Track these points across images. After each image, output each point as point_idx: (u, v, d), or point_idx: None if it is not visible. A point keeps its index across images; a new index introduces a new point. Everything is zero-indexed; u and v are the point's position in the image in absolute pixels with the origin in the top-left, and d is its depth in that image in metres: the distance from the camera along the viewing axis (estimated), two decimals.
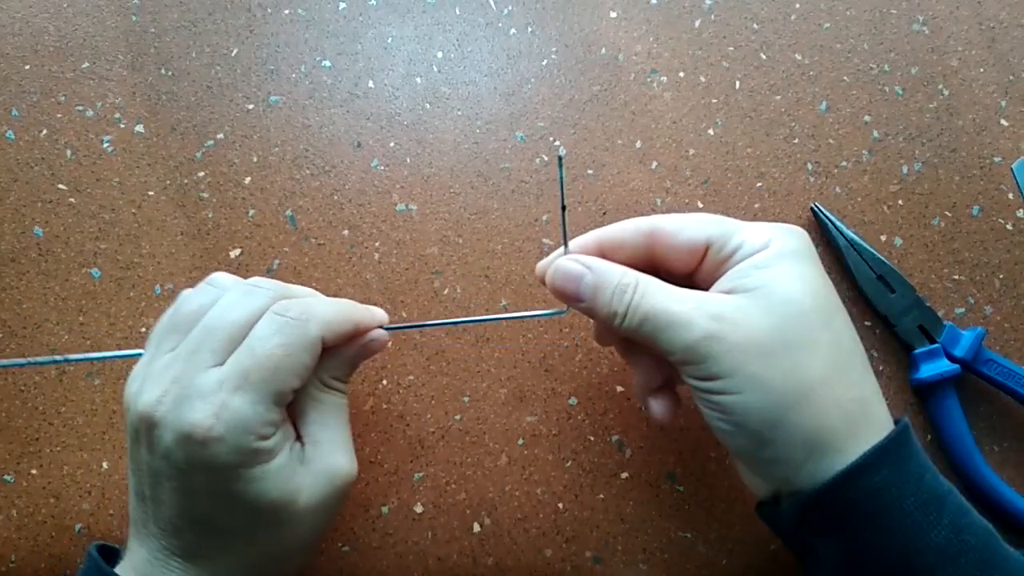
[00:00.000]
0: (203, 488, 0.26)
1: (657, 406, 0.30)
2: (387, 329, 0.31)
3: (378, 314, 0.31)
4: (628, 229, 0.28)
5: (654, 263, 0.29)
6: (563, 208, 0.28)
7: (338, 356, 0.30)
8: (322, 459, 0.28)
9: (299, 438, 0.29)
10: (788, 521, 0.27)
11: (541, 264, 0.30)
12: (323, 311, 0.28)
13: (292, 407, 0.29)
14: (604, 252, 0.29)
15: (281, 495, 0.26)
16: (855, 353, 0.26)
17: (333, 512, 0.29)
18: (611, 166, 0.40)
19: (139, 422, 0.26)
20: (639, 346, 0.29)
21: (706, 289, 0.27)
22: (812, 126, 0.40)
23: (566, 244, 0.29)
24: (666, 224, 0.28)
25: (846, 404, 0.25)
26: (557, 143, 0.40)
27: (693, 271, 0.28)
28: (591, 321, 0.38)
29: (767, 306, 0.25)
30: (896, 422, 0.26)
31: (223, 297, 0.28)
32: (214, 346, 0.26)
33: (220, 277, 0.29)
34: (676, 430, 0.37)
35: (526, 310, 0.32)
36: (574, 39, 0.41)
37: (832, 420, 0.24)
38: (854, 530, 0.24)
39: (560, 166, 0.27)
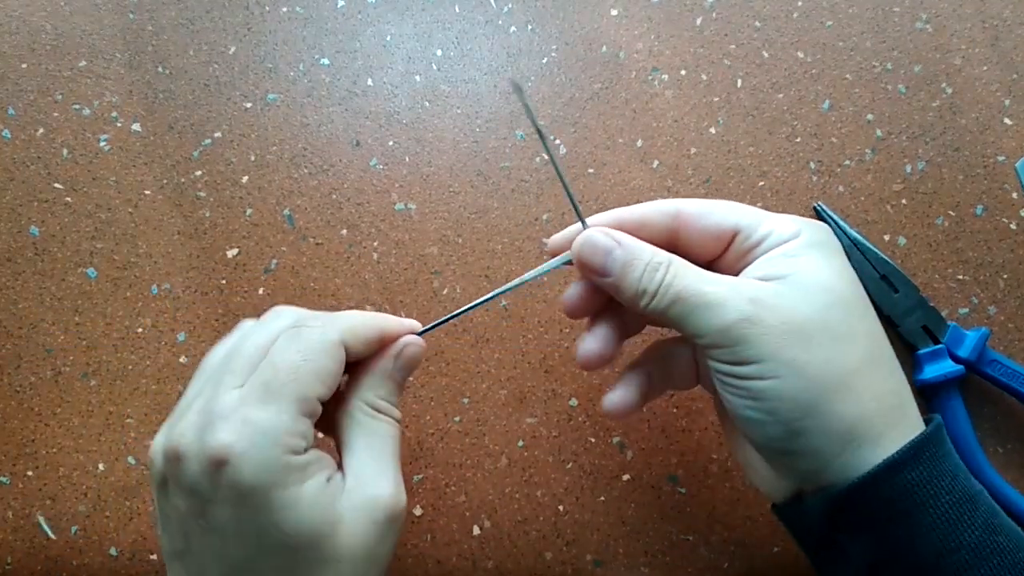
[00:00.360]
0: (233, 523, 0.22)
1: (591, 346, 0.29)
2: (419, 334, 0.29)
3: (408, 322, 0.29)
4: (652, 209, 0.28)
5: (675, 247, 0.27)
6: (540, 136, 0.25)
7: (376, 372, 0.27)
8: (364, 488, 0.25)
9: (342, 469, 0.26)
10: (815, 519, 0.26)
11: (556, 237, 0.29)
12: (344, 318, 0.27)
13: (337, 436, 0.27)
14: (624, 231, 0.27)
15: (317, 526, 0.23)
16: (888, 347, 0.26)
17: (380, 553, 0.25)
18: (612, 165, 0.40)
19: (165, 465, 0.24)
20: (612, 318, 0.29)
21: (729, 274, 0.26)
22: (815, 125, 0.40)
23: (567, 190, 0.27)
24: (692, 207, 0.27)
25: (883, 396, 0.24)
26: (558, 142, 0.40)
27: (716, 258, 0.27)
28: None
29: (805, 293, 0.24)
30: (928, 420, 0.25)
31: (245, 329, 0.27)
32: (235, 370, 0.24)
33: (247, 322, 0.28)
34: (678, 432, 0.37)
35: (530, 283, 0.30)
36: (574, 37, 0.41)
37: (869, 411, 0.24)
38: (886, 528, 0.24)
39: (521, 93, 0.24)
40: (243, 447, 0.22)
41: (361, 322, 0.27)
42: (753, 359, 0.24)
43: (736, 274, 0.26)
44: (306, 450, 0.24)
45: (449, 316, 0.30)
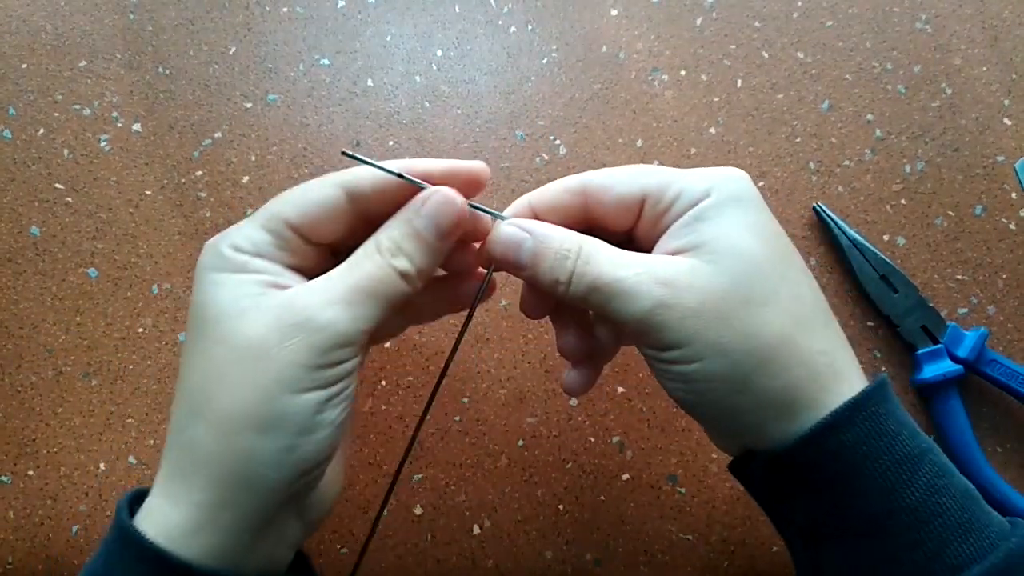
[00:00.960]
0: (193, 317, 0.24)
1: (574, 378, 0.29)
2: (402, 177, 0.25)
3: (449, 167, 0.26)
4: (557, 189, 0.26)
5: (591, 224, 0.27)
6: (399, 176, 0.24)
7: (396, 215, 0.25)
8: (293, 295, 0.24)
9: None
10: (758, 480, 0.26)
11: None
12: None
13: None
14: (539, 216, 0.26)
15: (225, 307, 0.23)
16: (817, 304, 0.25)
17: (276, 353, 0.23)
18: (612, 165, 0.39)
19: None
20: (568, 314, 0.28)
21: (649, 248, 0.25)
22: (814, 125, 0.40)
23: (479, 208, 0.26)
24: (597, 179, 0.26)
25: (812, 358, 0.23)
26: (558, 142, 0.40)
27: (632, 228, 0.26)
28: None
29: (718, 264, 0.23)
30: (873, 377, 0.25)
31: None
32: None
33: None
34: (677, 432, 0.37)
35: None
36: (574, 37, 0.41)
37: (799, 377, 0.23)
38: (824, 490, 0.23)
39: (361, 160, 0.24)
40: (208, 242, 0.25)
41: (375, 172, 0.25)
42: (674, 344, 0.23)
43: (654, 242, 0.25)
44: (253, 256, 0.24)
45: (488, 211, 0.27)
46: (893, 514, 0.22)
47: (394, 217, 0.25)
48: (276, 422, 0.23)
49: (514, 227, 0.25)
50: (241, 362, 0.23)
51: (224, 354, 0.23)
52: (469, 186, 0.26)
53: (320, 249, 0.26)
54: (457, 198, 0.25)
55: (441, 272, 0.29)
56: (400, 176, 0.25)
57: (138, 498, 0.25)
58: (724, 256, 0.23)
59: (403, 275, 0.24)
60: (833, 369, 0.24)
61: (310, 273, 0.25)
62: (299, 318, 0.23)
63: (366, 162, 0.25)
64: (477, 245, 0.28)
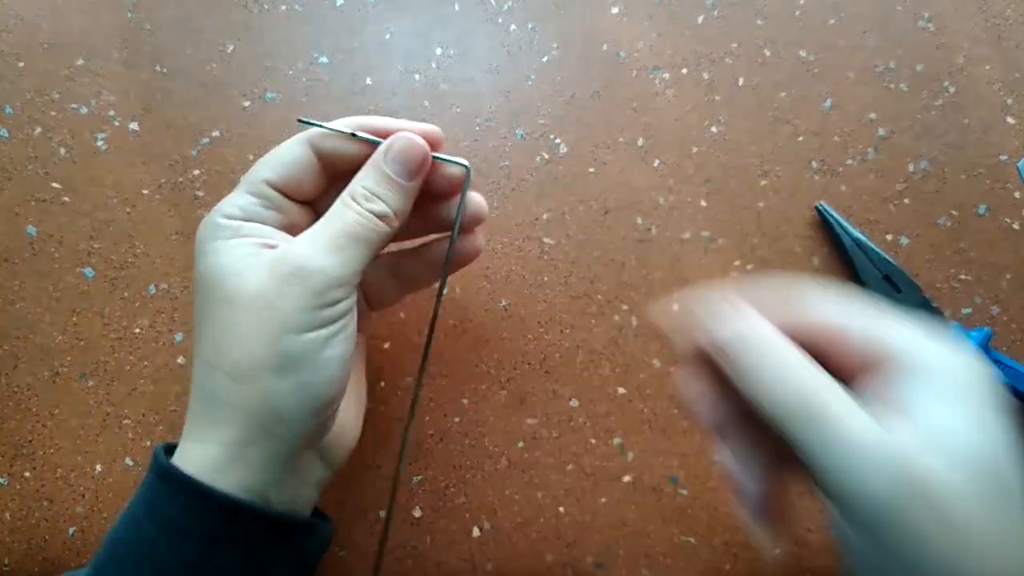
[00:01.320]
0: (199, 284, 0.27)
1: (767, 526, 0.23)
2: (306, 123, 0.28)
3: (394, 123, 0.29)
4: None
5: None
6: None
7: (367, 164, 0.28)
8: (283, 249, 0.26)
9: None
10: None
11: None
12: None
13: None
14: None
15: (224, 269, 0.26)
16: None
17: (277, 304, 0.25)
18: (613, 164, 0.39)
19: None
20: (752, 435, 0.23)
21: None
22: (817, 123, 0.40)
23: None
24: (836, 319, 0.22)
25: None
26: (558, 141, 0.40)
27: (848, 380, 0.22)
28: (593, 322, 0.38)
29: (964, 474, 0.18)
30: None
31: None
32: None
33: None
34: (679, 433, 0.37)
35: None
36: (575, 35, 0.41)
37: None
38: None
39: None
40: (204, 218, 0.27)
41: (338, 122, 0.28)
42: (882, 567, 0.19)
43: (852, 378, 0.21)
44: (244, 220, 0.27)
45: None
46: None
47: (364, 167, 0.28)
48: (286, 362, 0.25)
49: (735, 317, 0.22)
50: (247, 314, 0.25)
51: (230, 311, 0.25)
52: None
53: (305, 208, 0.29)
54: (418, 139, 0.28)
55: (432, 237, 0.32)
56: (353, 135, 0.28)
57: (167, 450, 0.27)
58: (975, 472, 0.18)
59: (381, 217, 0.27)
60: None
61: (298, 232, 0.28)
62: (293, 267, 0.25)
63: (321, 126, 0.28)
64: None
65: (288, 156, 0.28)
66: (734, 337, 0.22)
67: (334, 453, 0.30)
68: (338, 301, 0.26)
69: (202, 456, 0.25)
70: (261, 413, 0.25)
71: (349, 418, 0.31)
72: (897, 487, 0.18)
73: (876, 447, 0.19)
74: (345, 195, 0.27)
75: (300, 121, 0.28)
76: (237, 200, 0.27)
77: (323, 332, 0.25)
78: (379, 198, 0.27)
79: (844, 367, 0.22)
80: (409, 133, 0.28)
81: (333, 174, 0.29)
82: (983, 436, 0.19)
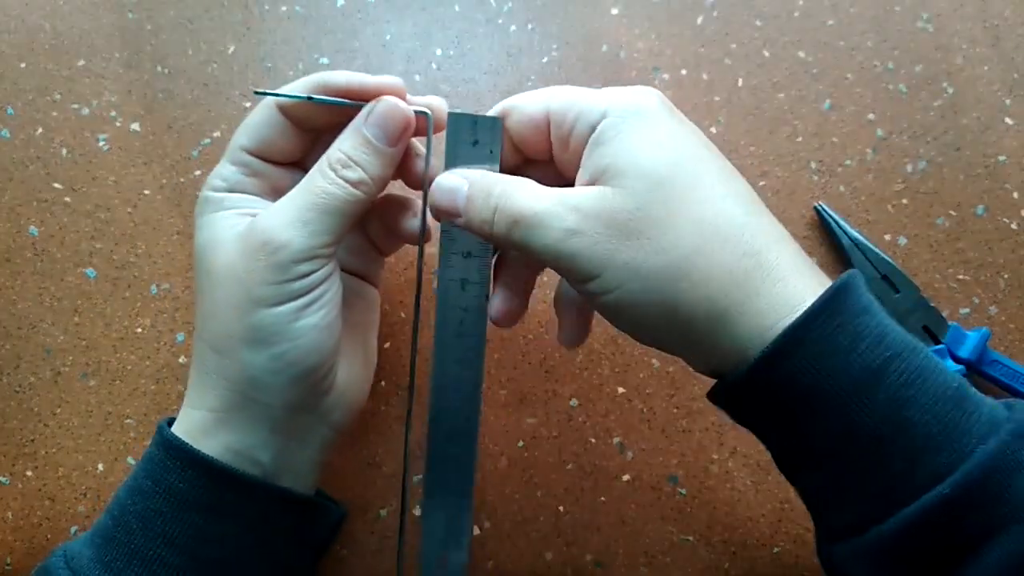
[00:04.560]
0: (195, 259, 0.28)
1: (569, 329, 0.29)
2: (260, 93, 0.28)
3: (388, 81, 0.28)
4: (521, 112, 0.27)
5: (519, 154, 0.28)
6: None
7: (347, 127, 0.27)
8: (253, 221, 0.26)
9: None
10: (731, 411, 0.25)
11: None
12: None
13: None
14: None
15: (207, 243, 0.27)
16: (739, 205, 0.23)
17: (245, 277, 0.25)
18: None
19: None
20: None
21: (572, 180, 0.25)
22: (816, 124, 0.40)
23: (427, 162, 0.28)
24: (509, 102, 0.26)
25: (736, 262, 0.22)
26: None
27: (550, 154, 0.27)
28: (593, 322, 0.38)
29: (622, 186, 0.23)
30: (836, 281, 0.23)
31: None
32: None
33: None
34: (678, 432, 0.37)
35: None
36: (575, 36, 0.41)
37: (722, 284, 0.22)
38: (784, 419, 0.23)
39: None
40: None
41: (301, 81, 0.28)
42: (591, 272, 0.23)
43: (571, 167, 0.25)
44: (228, 191, 0.28)
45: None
46: (854, 436, 0.21)
47: (344, 131, 0.27)
48: (258, 334, 0.26)
49: (454, 175, 0.26)
50: (220, 287, 0.26)
51: (208, 284, 0.27)
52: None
53: (292, 170, 0.29)
54: (401, 103, 0.27)
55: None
56: (310, 99, 0.27)
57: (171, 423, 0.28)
58: (626, 177, 0.23)
59: (356, 184, 0.26)
60: (763, 271, 0.22)
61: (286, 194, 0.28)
62: (259, 241, 0.25)
63: (276, 95, 0.27)
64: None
65: (258, 119, 0.28)
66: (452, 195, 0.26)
67: (337, 414, 0.30)
68: (308, 274, 0.26)
69: (192, 420, 0.27)
70: (241, 382, 0.26)
71: (354, 379, 0.30)
72: (571, 216, 0.23)
73: (550, 202, 0.24)
74: (322, 161, 0.26)
75: (256, 92, 0.27)
76: (220, 171, 0.28)
77: (293, 304, 0.25)
78: (357, 163, 0.26)
79: (536, 149, 0.27)
80: (392, 97, 0.27)
81: (314, 133, 0.29)
82: (620, 151, 0.23)
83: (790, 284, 0.22)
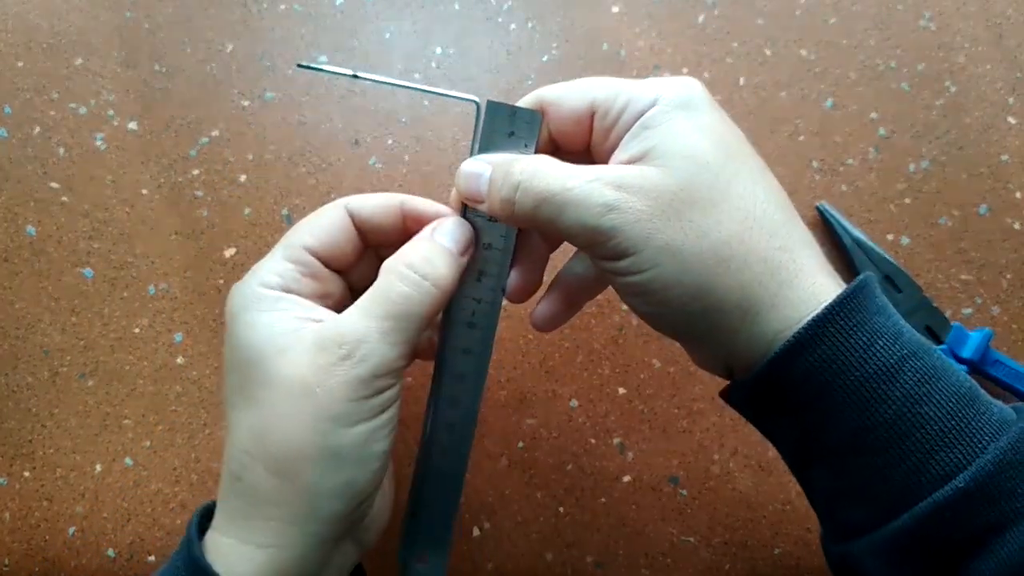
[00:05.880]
0: (226, 342, 0.26)
1: (544, 309, 0.29)
2: (302, 66, 0.27)
3: (438, 206, 0.28)
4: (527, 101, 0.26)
5: (553, 145, 0.27)
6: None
7: (414, 238, 0.27)
8: (322, 325, 0.24)
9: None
10: (742, 406, 0.25)
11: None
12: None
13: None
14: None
15: (263, 347, 0.24)
16: (774, 201, 0.23)
17: (315, 386, 0.23)
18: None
19: None
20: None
21: (603, 161, 0.25)
22: (818, 123, 0.40)
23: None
24: (550, 94, 0.26)
25: (771, 255, 0.22)
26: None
27: (587, 144, 0.26)
28: (593, 322, 0.38)
29: (666, 167, 0.23)
30: (854, 281, 0.23)
31: None
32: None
33: None
34: (679, 433, 0.37)
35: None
36: (575, 34, 0.41)
37: (758, 274, 0.22)
38: (800, 412, 0.23)
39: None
40: (236, 284, 0.26)
41: (377, 195, 0.28)
42: (627, 250, 0.22)
43: (608, 156, 0.25)
44: (283, 290, 0.26)
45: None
46: (870, 430, 0.21)
47: (412, 242, 0.26)
48: (333, 456, 0.23)
49: (477, 161, 0.26)
50: (289, 402, 0.23)
51: (271, 396, 0.24)
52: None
53: (338, 279, 0.28)
54: (464, 221, 0.27)
55: None
56: (355, 76, 0.26)
57: (206, 514, 0.26)
58: (672, 158, 0.23)
59: (437, 287, 0.25)
60: (796, 265, 0.23)
61: (334, 303, 0.27)
62: (339, 353, 0.23)
63: (321, 70, 0.26)
64: None
65: (327, 221, 0.27)
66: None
67: (370, 534, 0.28)
68: (386, 388, 0.24)
69: (238, 558, 0.24)
70: (303, 511, 0.24)
71: (384, 497, 0.29)
72: (610, 193, 0.22)
73: (586, 179, 0.23)
74: (396, 267, 0.25)
75: (300, 66, 0.26)
76: (274, 266, 0.26)
77: (371, 424, 0.24)
78: (433, 264, 0.25)
79: (576, 139, 0.26)
80: (455, 215, 0.27)
81: (366, 242, 0.28)
82: (667, 136, 0.23)
83: (818, 281, 0.23)
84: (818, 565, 0.36)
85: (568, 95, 0.25)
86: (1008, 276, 0.38)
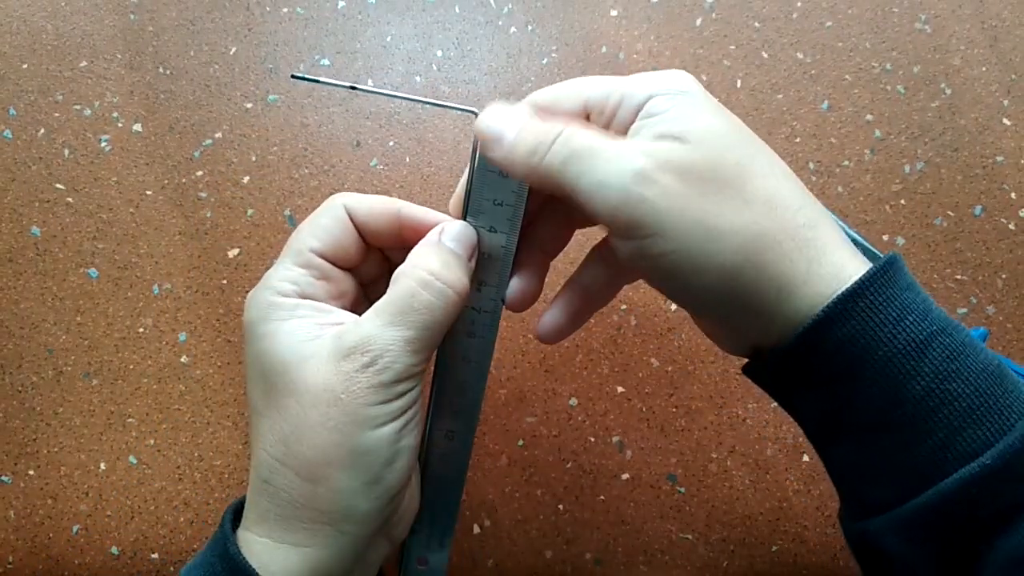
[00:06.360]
0: (246, 354, 0.26)
1: (551, 319, 0.28)
2: (297, 78, 0.27)
3: (430, 213, 0.27)
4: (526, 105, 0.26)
5: None
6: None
7: (422, 243, 0.27)
8: (343, 331, 0.24)
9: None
10: (768, 380, 0.25)
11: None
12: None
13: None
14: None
15: (286, 356, 0.24)
16: (791, 177, 0.23)
17: (340, 392, 0.24)
18: None
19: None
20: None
21: None
22: (814, 125, 0.40)
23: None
24: (543, 99, 0.25)
25: (798, 232, 0.22)
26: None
27: None
28: (592, 321, 0.38)
29: (694, 143, 0.22)
30: (884, 257, 0.23)
31: None
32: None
33: None
34: (677, 431, 0.37)
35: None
36: (575, 37, 0.41)
37: (790, 250, 0.22)
38: (828, 385, 0.23)
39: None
40: (251, 294, 0.26)
41: (374, 197, 0.28)
42: (655, 228, 0.22)
43: None
44: (299, 296, 0.26)
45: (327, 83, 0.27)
46: (899, 405, 0.21)
47: (424, 247, 0.26)
48: (360, 459, 0.24)
49: (511, 107, 0.25)
50: (317, 409, 0.24)
51: (296, 405, 0.24)
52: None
53: (348, 276, 0.28)
54: (468, 226, 0.26)
55: None
56: (353, 88, 0.26)
57: (238, 510, 0.26)
58: (694, 135, 0.22)
59: (459, 294, 0.25)
60: (822, 241, 0.22)
61: (349, 302, 0.27)
62: (363, 360, 0.24)
63: (318, 81, 0.26)
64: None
65: (328, 221, 0.27)
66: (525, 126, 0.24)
67: (399, 529, 0.28)
68: (407, 392, 0.24)
69: (273, 558, 0.24)
70: (333, 513, 0.24)
71: (413, 492, 0.29)
72: (641, 159, 0.22)
73: (618, 144, 0.22)
74: (416, 274, 0.25)
75: (294, 77, 0.26)
76: (286, 273, 0.26)
77: (395, 424, 0.24)
78: (452, 271, 0.25)
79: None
80: (457, 220, 0.27)
81: (368, 241, 0.28)
82: (684, 115, 0.23)
83: (845, 256, 0.23)
84: (815, 562, 0.36)
85: (561, 98, 0.25)
86: (1003, 276, 0.38)
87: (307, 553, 0.24)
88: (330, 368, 0.24)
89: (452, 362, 0.28)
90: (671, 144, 0.22)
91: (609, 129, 0.24)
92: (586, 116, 0.25)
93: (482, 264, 0.27)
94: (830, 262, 0.22)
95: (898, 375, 0.21)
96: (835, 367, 0.22)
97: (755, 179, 0.22)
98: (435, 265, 0.25)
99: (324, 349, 0.24)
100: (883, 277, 0.22)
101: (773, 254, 0.22)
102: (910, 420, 0.21)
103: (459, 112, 0.27)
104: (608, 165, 0.22)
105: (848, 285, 0.22)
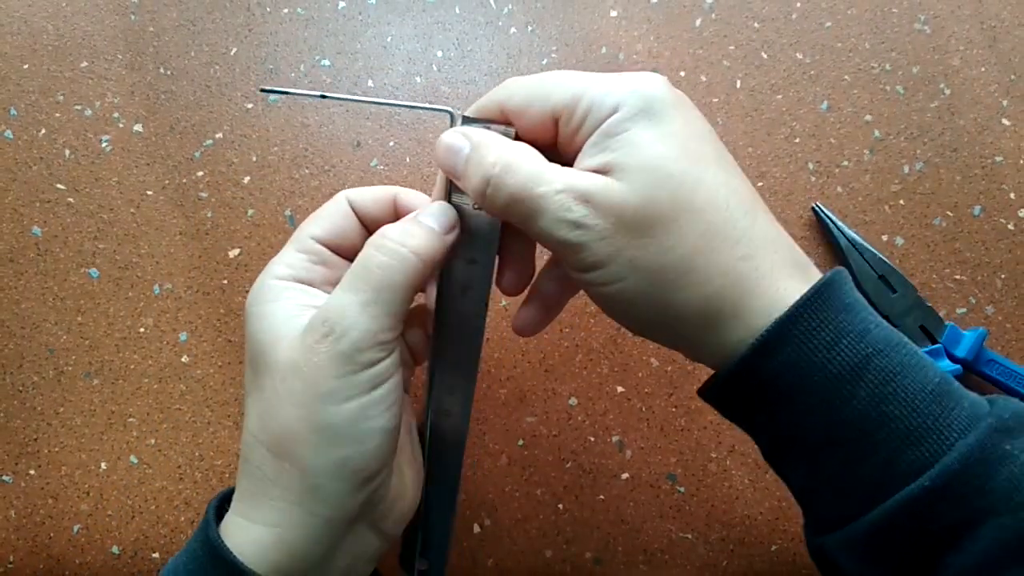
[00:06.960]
0: (247, 352, 0.26)
1: (524, 316, 0.29)
2: (266, 90, 0.27)
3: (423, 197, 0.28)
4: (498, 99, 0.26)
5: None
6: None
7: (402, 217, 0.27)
8: (318, 311, 0.25)
9: None
10: (716, 402, 0.26)
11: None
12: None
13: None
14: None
15: (268, 335, 0.25)
16: (736, 203, 0.23)
17: (304, 368, 0.24)
18: None
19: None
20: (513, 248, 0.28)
21: (571, 161, 0.25)
22: (813, 125, 0.40)
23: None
24: (512, 104, 0.25)
25: (733, 266, 0.23)
26: None
27: (555, 144, 0.26)
28: (592, 321, 0.38)
29: (629, 182, 0.23)
30: (822, 278, 0.23)
31: None
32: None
33: None
34: (677, 431, 0.37)
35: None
36: (574, 38, 0.41)
37: (720, 287, 0.22)
38: (771, 410, 0.23)
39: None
40: (257, 279, 0.27)
41: (374, 187, 0.29)
42: (595, 264, 0.23)
43: (574, 156, 0.25)
44: (292, 280, 0.26)
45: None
46: (836, 431, 0.22)
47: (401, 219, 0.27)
48: (323, 435, 0.24)
49: (457, 135, 0.25)
50: (283, 384, 0.24)
51: (268, 381, 0.25)
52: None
53: (348, 265, 0.28)
54: (448, 205, 0.27)
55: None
56: (323, 96, 0.27)
57: (225, 499, 0.26)
58: (633, 172, 0.23)
59: (416, 254, 0.25)
60: (759, 273, 0.23)
61: None
62: (322, 331, 0.24)
63: (287, 92, 0.27)
64: None
65: (330, 209, 0.28)
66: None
67: (390, 522, 0.28)
68: (374, 363, 0.24)
69: (246, 534, 0.24)
70: (301, 491, 0.24)
71: (404, 485, 0.28)
72: (578, 209, 0.22)
73: (555, 187, 0.23)
74: (373, 240, 0.25)
75: (263, 90, 0.27)
76: (286, 258, 0.27)
77: (364, 399, 0.24)
78: (411, 235, 0.25)
79: (544, 138, 0.25)
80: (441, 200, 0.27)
81: (368, 229, 0.29)
82: (628, 147, 0.23)
83: (782, 286, 0.23)
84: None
85: (530, 107, 0.25)
86: (1002, 276, 0.39)
87: (278, 533, 0.24)
88: (297, 343, 0.24)
89: (439, 368, 0.29)
90: (610, 183, 0.23)
91: (576, 138, 0.24)
92: (555, 121, 0.25)
93: (470, 241, 0.27)
94: (767, 294, 0.23)
95: (835, 400, 0.22)
96: (774, 394, 0.23)
97: (692, 213, 0.23)
98: (393, 231, 0.25)
99: (295, 327, 0.25)
100: (817, 301, 0.22)
101: (702, 290, 0.23)
102: (849, 445, 0.22)
103: (434, 112, 0.27)
104: (546, 217, 0.23)
105: (783, 312, 0.22)
